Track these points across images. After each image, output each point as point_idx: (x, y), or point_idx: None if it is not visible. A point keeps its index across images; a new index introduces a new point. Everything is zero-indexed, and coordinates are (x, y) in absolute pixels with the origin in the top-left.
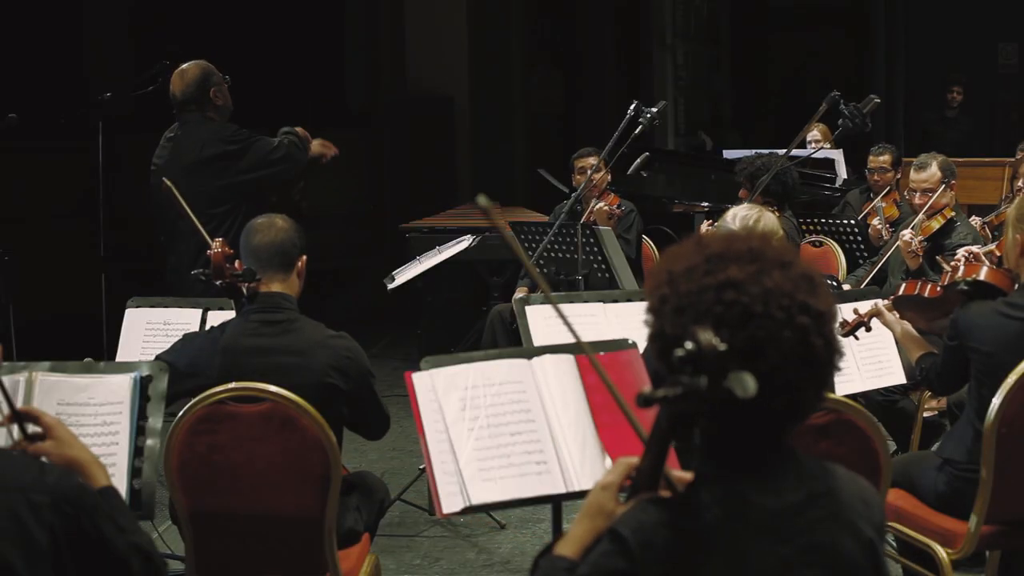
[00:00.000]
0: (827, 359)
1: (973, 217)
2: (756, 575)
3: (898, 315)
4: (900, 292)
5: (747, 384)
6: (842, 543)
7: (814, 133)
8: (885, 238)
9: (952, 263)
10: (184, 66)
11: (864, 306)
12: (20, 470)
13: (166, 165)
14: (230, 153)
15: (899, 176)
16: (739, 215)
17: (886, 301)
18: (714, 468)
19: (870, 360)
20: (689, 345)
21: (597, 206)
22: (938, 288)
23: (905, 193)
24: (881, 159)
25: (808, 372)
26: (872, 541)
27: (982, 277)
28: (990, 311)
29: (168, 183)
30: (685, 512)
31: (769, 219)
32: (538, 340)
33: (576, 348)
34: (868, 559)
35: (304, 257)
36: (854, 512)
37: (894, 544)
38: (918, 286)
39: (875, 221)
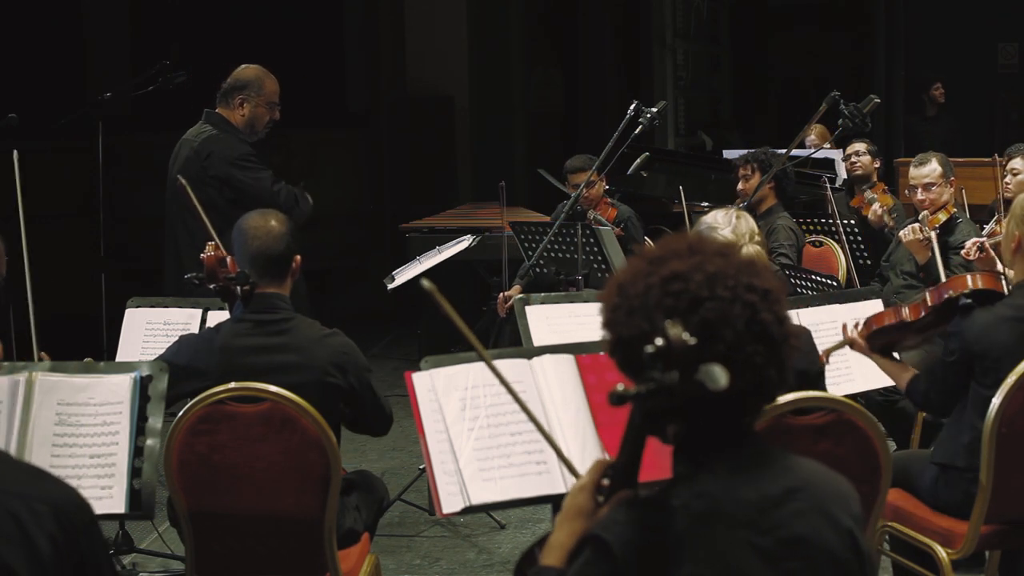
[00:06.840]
0: (781, 336)
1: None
2: (737, 570)
3: (868, 346)
4: (874, 326)
5: (717, 377)
6: (823, 534)
7: (811, 137)
8: (888, 224)
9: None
10: (248, 64)
11: (835, 338)
12: (21, 476)
13: (182, 169)
14: (227, 180)
15: (877, 165)
16: (718, 216)
17: (859, 329)
18: (690, 464)
19: (869, 360)
20: (659, 341)
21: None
22: (924, 306)
23: (906, 191)
24: (857, 146)
25: (764, 348)
26: (851, 530)
27: (981, 286)
28: (995, 320)
29: (183, 181)
30: (663, 511)
31: (748, 219)
32: (538, 340)
33: (577, 348)
34: (849, 549)
35: (299, 257)
36: (831, 503)
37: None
38: (894, 313)
39: (875, 207)
